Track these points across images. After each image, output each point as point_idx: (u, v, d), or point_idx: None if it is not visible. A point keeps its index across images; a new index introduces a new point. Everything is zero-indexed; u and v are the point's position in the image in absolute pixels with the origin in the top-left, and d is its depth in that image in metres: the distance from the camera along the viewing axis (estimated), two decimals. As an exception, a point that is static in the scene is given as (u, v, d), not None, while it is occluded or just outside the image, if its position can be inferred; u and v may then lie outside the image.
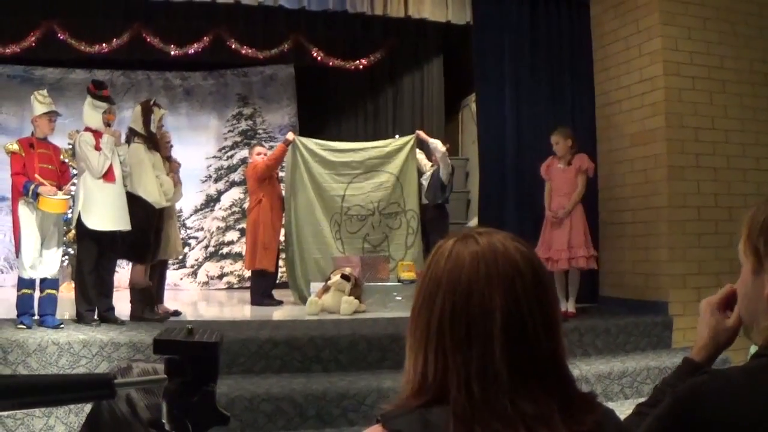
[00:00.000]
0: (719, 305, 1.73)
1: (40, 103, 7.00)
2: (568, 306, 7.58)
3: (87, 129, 7.14)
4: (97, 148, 6.96)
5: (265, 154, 9.56)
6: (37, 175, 6.73)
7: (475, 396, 1.25)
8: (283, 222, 9.64)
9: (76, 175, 7.55)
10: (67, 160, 7.41)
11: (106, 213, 7.00)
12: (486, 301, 1.29)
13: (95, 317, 6.94)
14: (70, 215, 7.39)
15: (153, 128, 7.54)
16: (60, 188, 6.89)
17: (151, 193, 7.34)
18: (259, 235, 9.25)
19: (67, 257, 9.80)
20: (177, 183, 7.93)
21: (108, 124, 7.19)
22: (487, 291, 1.29)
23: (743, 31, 8.09)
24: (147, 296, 7.56)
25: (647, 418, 1.56)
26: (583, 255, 7.57)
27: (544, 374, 1.29)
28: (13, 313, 6.73)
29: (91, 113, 7.16)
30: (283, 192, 9.73)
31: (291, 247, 9.56)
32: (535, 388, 1.27)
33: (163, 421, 1.13)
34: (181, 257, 11.28)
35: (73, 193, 7.17)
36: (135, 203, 7.25)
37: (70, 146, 9.23)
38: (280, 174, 10.13)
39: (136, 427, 1.71)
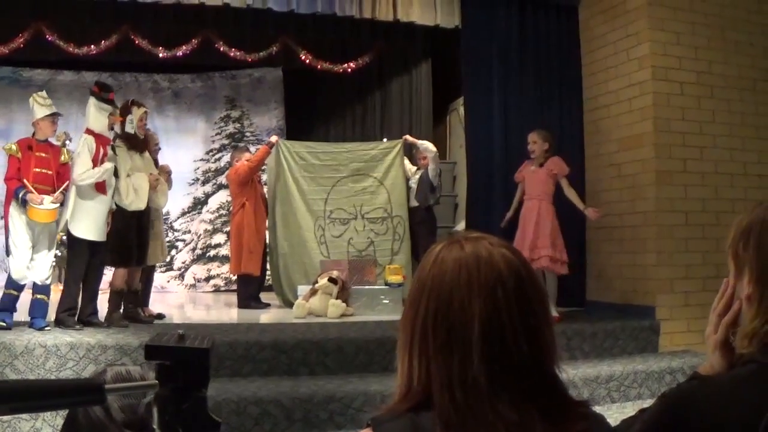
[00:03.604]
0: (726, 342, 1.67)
1: (41, 105, 6.93)
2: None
3: (89, 132, 7.04)
4: (96, 159, 6.90)
5: None
6: (25, 181, 6.68)
7: (458, 401, 1.25)
8: (267, 225, 9.61)
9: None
10: (69, 162, 7.32)
11: (92, 223, 6.97)
12: (466, 308, 1.29)
13: (76, 321, 6.88)
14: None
15: (129, 128, 7.40)
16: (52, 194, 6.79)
17: (122, 195, 7.21)
18: (244, 239, 9.19)
19: (56, 260, 9.73)
20: (160, 184, 7.77)
21: (112, 127, 7.15)
22: (467, 298, 1.29)
23: (732, 36, 8.13)
24: (118, 301, 7.41)
25: (637, 421, 1.57)
26: (546, 255, 7.43)
27: (525, 382, 1.28)
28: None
29: (97, 116, 7.06)
30: (266, 194, 9.70)
31: (275, 250, 9.55)
32: (515, 395, 1.27)
33: (155, 426, 1.13)
34: (167, 260, 11.22)
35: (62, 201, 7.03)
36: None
37: (61, 145, 9.13)
38: (263, 177, 10.10)
39: (110, 429, 1.71)
